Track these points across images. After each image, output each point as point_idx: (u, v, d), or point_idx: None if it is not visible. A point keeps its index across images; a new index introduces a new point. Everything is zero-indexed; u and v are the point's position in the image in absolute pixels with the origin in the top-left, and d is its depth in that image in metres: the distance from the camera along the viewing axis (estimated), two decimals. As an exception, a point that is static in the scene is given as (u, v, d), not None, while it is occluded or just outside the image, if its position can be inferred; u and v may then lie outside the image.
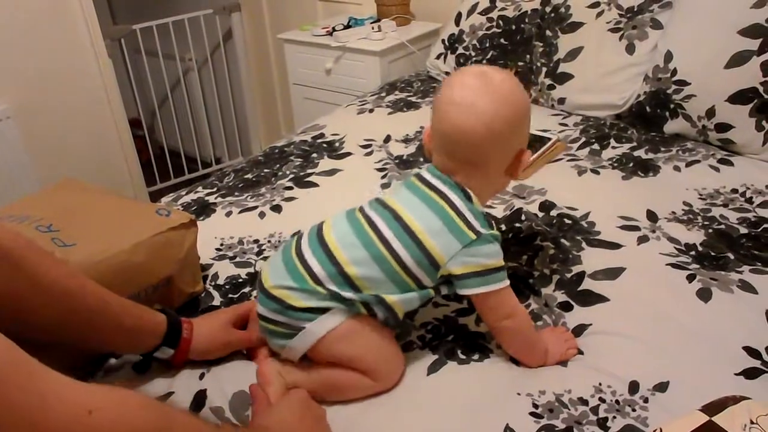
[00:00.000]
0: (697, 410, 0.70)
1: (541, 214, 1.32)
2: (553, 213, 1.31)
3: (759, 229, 1.23)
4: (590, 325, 1.02)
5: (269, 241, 1.30)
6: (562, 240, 1.22)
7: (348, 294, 0.89)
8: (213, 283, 1.19)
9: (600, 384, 0.91)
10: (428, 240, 0.89)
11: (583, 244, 1.20)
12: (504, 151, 0.94)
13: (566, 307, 1.07)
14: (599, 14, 1.80)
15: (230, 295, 1.16)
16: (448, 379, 0.94)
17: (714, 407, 0.69)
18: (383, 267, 0.90)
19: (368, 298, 0.90)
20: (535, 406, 0.88)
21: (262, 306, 0.93)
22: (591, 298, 1.07)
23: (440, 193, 0.93)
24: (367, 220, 0.94)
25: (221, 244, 1.31)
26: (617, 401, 0.88)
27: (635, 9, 1.75)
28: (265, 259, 1.24)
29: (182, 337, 0.94)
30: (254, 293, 1.14)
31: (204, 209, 1.44)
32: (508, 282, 0.92)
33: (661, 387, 0.89)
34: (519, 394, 0.90)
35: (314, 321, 0.90)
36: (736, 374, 0.91)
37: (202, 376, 0.97)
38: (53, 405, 0.47)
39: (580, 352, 0.98)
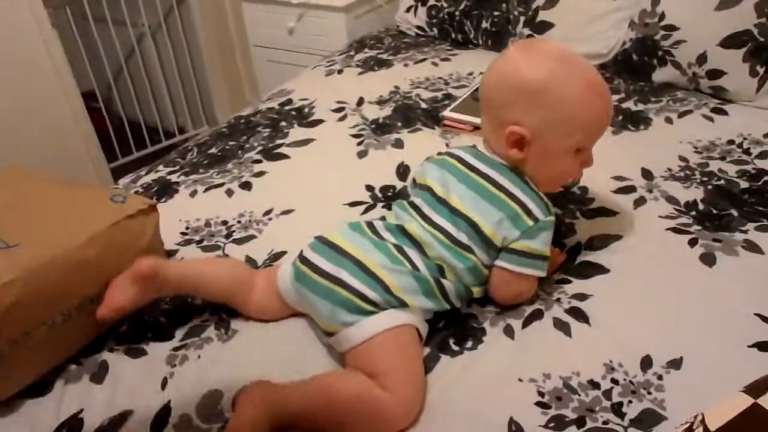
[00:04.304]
0: (739, 392, 0.63)
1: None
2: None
3: (760, 182, 1.17)
4: (591, 296, 0.95)
5: (239, 222, 1.20)
6: (554, 209, 1.13)
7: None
8: (180, 270, 1.09)
9: (610, 361, 0.84)
10: (490, 230, 0.90)
11: (577, 213, 1.13)
12: (492, 112, 0.94)
13: (563, 282, 0.99)
14: (579, -44, 1.69)
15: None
16: (445, 376, 0.86)
17: (757, 388, 0.62)
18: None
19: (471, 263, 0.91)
20: (541, 393, 0.81)
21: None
22: (590, 270, 1.00)
23: (494, 181, 0.93)
24: (426, 221, 0.93)
25: (186, 228, 1.20)
26: (631, 382, 0.81)
27: (616, -51, 1.65)
28: (235, 242, 1.14)
29: None
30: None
31: (166, 189, 1.33)
32: (543, 273, 0.93)
33: (675, 364, 0.83)
34: (521, 380, 0.83)
35: (394, 309, 0.86)
36: (749, 346, 0.85)
37: (164, 384, 0.88)
38: None
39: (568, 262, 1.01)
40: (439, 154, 1.02)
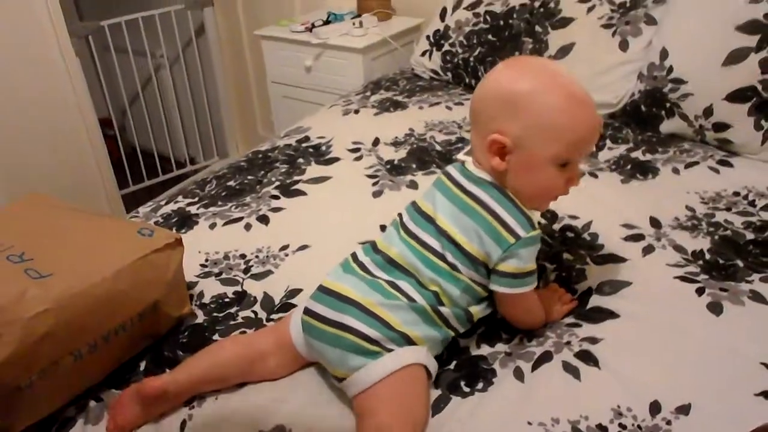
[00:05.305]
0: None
1: (543, 222, 1.26)
2: (556, 226, 1.26)
3: (765, 234, 1.20)
4: (602, 340, 0.97)
5: (257, 257, 1.23)
6: (565, 255, 1.17)
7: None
8: (198, 302, 1.12)
9: (619, 406, 0.86)
10: (473, 247, 0.92)
11: (587, 259, 1.15)
12: (478, 125, 0.95)
13: (574, 325, 1.02)
14: (590, 9, 1.75)
15: (215, 314, 1.09)
16: (455, 417, 0.88)
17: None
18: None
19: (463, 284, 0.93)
20: (550, 437, 0.83)
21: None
22: (600, 315, 1.03)
23: (475, 198, 0.94)
24: (414, 238, 0.96)
25: (206, 260, 1.23)
26: (639, 426, 0.83)
27: (628, 4, 1.71)
28: (253, 277, 1.17)
29: None
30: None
31: (186, 221, 1.36)
32: (534, 285, 0.95)
33: (684, 410, 0.85)
34: (530, 423, 0.85)
35: (402, 348, 0.89)
36: (755, 395, 0.87)
37: (183, 426, 0.89)
38: None
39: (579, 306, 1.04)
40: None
